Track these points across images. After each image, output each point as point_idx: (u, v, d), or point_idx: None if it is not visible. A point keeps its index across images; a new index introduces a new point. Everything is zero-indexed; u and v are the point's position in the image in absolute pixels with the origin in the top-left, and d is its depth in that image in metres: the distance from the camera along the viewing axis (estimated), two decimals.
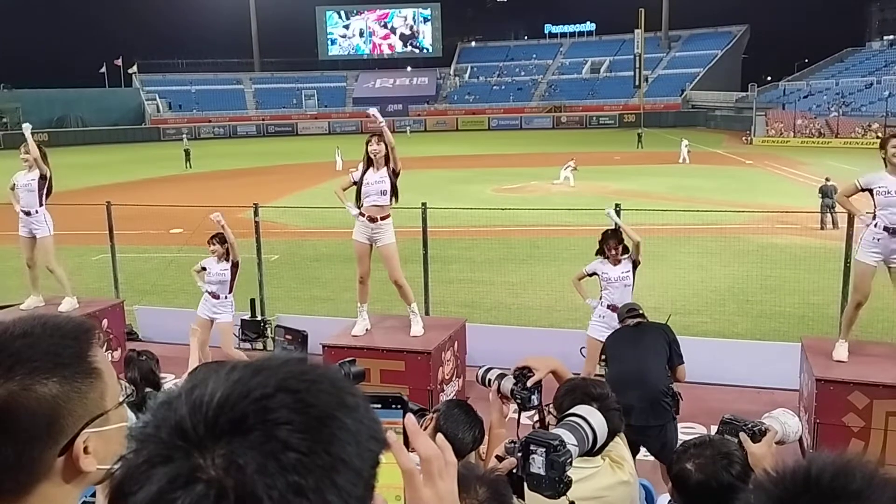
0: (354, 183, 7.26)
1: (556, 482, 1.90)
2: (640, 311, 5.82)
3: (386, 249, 7.34)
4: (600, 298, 7.26)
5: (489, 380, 2.60)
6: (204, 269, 8.00)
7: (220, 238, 7.89)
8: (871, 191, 6.06)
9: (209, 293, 7.95)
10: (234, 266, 7.95)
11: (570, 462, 1.93)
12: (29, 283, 8.76)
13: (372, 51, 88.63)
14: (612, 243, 7.04)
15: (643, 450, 5.90)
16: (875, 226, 6.05)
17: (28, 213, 8.35)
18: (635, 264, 7.11)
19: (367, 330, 7.65)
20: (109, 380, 1.15)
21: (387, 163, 7.15)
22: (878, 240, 6.02)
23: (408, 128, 67.36)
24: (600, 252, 7.13)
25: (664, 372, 5.28)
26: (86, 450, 1.09)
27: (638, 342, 5.46)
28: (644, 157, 38.86)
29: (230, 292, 8.02)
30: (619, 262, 7.05)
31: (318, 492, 0.69)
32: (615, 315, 6.96)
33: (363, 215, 7.26)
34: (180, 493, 0.66)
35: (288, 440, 0.69)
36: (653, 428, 5.07)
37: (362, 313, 7.68)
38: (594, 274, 7.21)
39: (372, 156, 7.12)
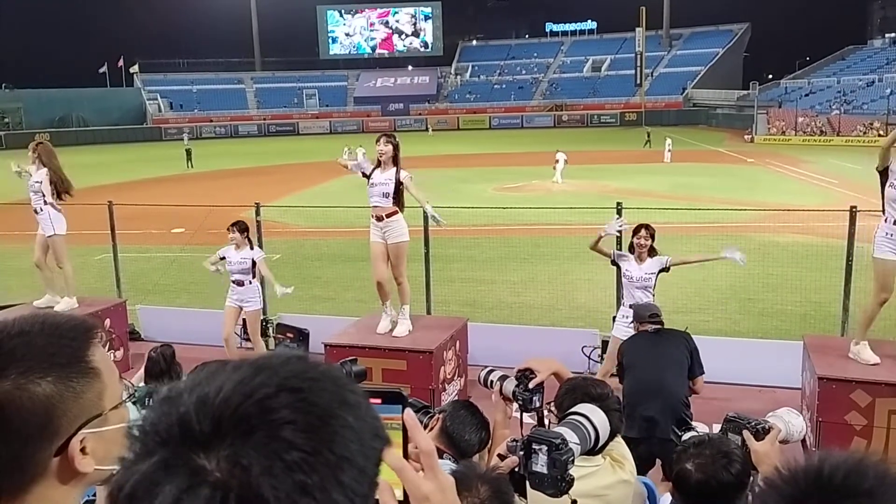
0: (364, 174, 7.28)
1: (558, 480, 1.90)
2: (661, 317, 5.63)
3: (396, 247, 7.36)
4: (622, 299, 7.18)
5: (491, 381, 2.61)
6: (223, 258, 8.09)
7: (240, 226, 8.01)
8: (884, 176, 5.94)
9: (234, 282, 8.06)
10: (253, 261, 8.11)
11: (573, 460, 1.93)
12: (42, 283, 8.79)
13: (373, 50, 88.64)
14: (643, 231, 6.87)
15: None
16: (885, 221, 5.97)
17: (36, 213, 8.41)
18: (665, 269, 6.91)
19: (393, 323, 7.62)
20: (109, 380, 1.13)
21: (395, 164, 7.17)
22: (891, 235, 5.95)
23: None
24: (630, 248, 7.01)
25: (684, 383, 5.11)
26: (83, 450, 1.08)
27: (658, 350, 5.22)
28: (645, 155, 38.80)
29: (254, 277, 8.10)
30: (644, 261, 6.89)
31: (323, 490, 0.69)
32: None
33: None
34: (185, 496, 0.66)
35: (292, 440, 0.69)
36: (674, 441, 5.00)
37: (386, 311, 7.68)
38: (616, 265, 7.08)
39: (378, 156, 7.16)
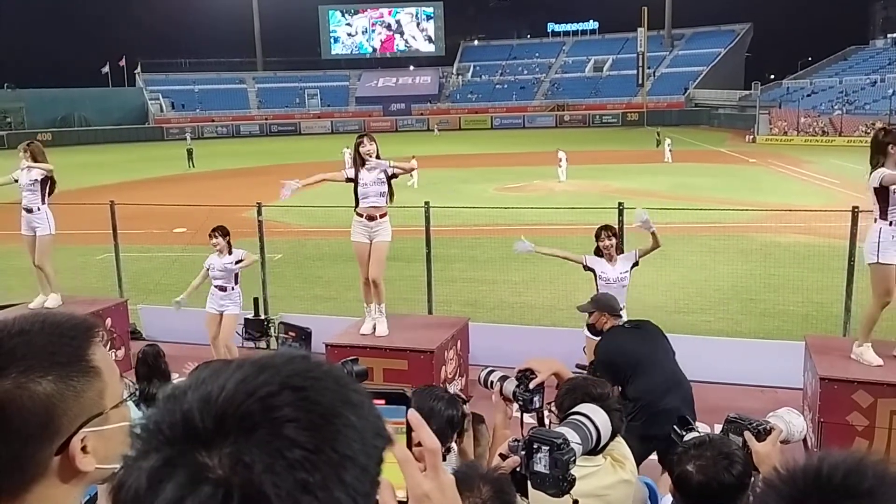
0: (349, 180, 7.24)
1: (560, 481, 1.90)
2: None
3: (379, 246, 7.34)
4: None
5: (492, 382, 2.61)
6: (208, 269, 8.07)
7: (222, 231, 7.98)
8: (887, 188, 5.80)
9: (216, 287, 8.02)
10: (238, 261, 8.07)
11: (574, 460, 1.93)
12: (38, 283, 8.79)
13: (374, 50, 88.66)
14: (603, 234, 6.91)
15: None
16: (891, 224, 5.86)
17: (30, 211, 8.40)
18: (635, 264, 6.99)
19: (374, 328, 7.65)
20: (109, 379, 1.13)
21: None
22: None
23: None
24: (598, 252, 7.04)
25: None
26: (84, 449, 1.08)
27: (650, 343, 5.05)
28: (647, 155, 38.77)
29: (237, 283, 8.09)
30: (615, 260, 6.93)
31: (325, 489, 0.68)
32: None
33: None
34: (187, 492, 0.66)
35: (294, 438, 0.69)
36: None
37: (370, 312, 7.69)
38: (590, 270, 7.07)
39: (366, 157, 7.11)
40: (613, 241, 6.93)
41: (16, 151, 8.64)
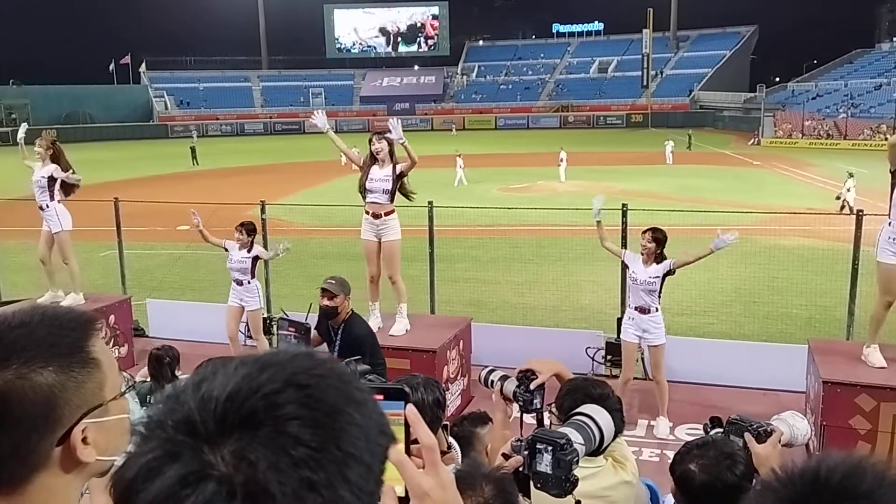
0: (359, 167, 7.29)
1: (563, 481, 1.90)
2: None
3: (390, 246, 7.37)
4: (627, 300, 7.15)
5: (492, 381, 2.61)
6: (226, 249, 8.15)
7: (248, 227, 8.07)
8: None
9: (234, 280, 8.11)
10: (255, 259, 8.17)
11: (577, 461, 1.93)
12: (46, 279, 8.80)
13: (379, 49, 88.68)
14: (644, 236, 6.80)
15: (646, 451, 5.87)
16: (889, 224, 5.88)
17: (41, 209, 8.40)
18: (669, 272, 6.80)
19: (378, 328, 7.66)
20: (109, 371, 1.14)
21: (391, 161, 7.16)
22: (894, 239, 5.87)
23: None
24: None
25: None
26: (85, 440, 1.08)
27: None
28: (650, 157, 38.70)
29: (253, 277, 8.15)
30: (650, 265, 6.82)
31: (330, 487, 0.68)
32: (644, 317, 6.91)
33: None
34: (191, 490, 0.65)
35: (299, 435, 0.68)
36: None
37: (374, 311, 7.70)
38: (626, 266, 7.10)
39: (375, 154, 7.13)
40: (652, 245, 6.73)
41: (19, 147, 8.62)
